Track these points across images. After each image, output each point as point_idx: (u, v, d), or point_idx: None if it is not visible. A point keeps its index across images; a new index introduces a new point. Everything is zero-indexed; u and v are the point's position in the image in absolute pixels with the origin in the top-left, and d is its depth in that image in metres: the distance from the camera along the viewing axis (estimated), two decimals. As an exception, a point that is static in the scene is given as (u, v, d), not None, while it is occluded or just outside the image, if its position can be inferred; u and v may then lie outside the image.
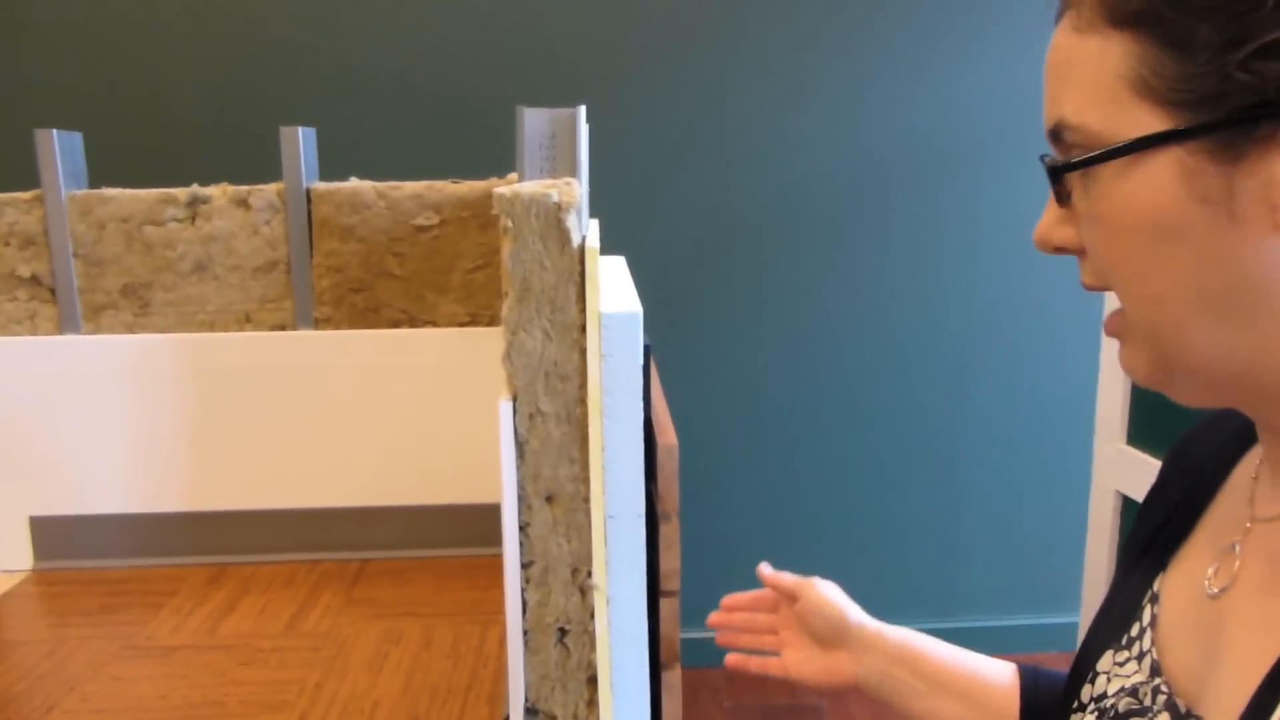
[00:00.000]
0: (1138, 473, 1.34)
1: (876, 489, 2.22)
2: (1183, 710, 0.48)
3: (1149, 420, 1.34)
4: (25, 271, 1.09)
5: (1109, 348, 1.39)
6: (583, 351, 0.74)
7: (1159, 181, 0.42)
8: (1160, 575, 0.55)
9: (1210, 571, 0.50)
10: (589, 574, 0.78)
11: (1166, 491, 0.59)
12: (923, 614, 2.26)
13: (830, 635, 0.79)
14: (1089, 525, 1.46)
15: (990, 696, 0.72)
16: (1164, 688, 0.49)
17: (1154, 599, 0.54)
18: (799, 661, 0.83)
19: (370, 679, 0.88)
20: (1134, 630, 0.54)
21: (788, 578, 0.86)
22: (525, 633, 0.78)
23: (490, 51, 1.96)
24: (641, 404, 0.75)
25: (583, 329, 0.74)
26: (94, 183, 1.11)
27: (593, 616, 0.78)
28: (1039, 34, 2.05)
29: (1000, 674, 0.74)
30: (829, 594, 0.81)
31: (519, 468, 0.76)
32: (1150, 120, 0.42)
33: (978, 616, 2.29)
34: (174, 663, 0.91)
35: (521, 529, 0.77)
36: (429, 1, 1.93)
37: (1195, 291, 0.43)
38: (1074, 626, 1.71)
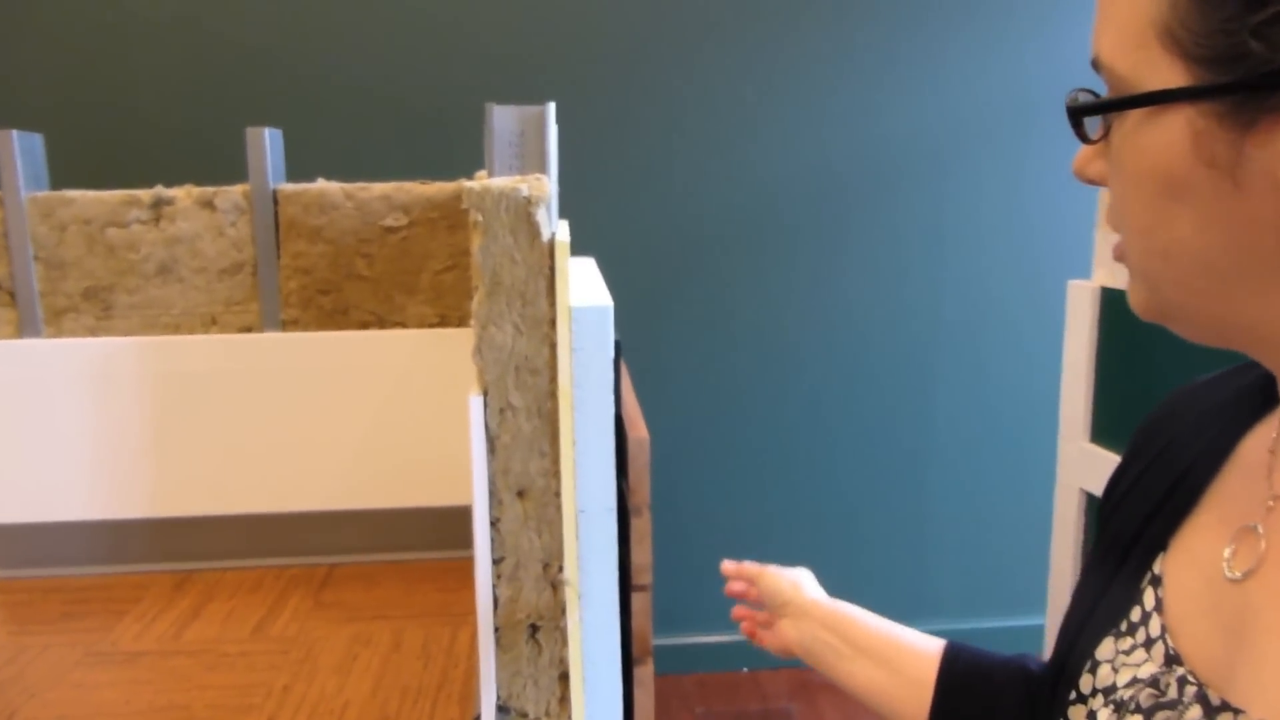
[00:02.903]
0: (1102, 470, 1.36)
1: (843, 490, 2.23)
2: (1215, 702, 0.44)
3: (1112, 417, 1.36)
4: (-16, 274, 1.07)
5: (1072, 347, 1.41)
6: (553, 346, 0.75)
7: (1170, 138, 0.41)
8: (1160, 556, 0.51)
9: (1227, 553, 0.47)
10: (560, 569, 0.77)
11: (1155, 462, 0.55)
12: (888, 616, 2.28)
13: (778, 607, 0.82)
14: (1054, 525, 1.48)
15: (906, 663, 0.73)
16: (1191, 678, 0.46)
17: (1155, 581, 0.50)
18: (762, 636, 0.87)
19: (339, 681, 0.87)
20: (1135, 615, 0.51)
21: (749, 569, 0.88)
22: (496, 629, 0.78)
23: (458, 53, 1.96)
24: (612, 398, 0.75)
25: (553, 323, 0.74)
26: (56, 185, 1.10)
27: (564, 612, 0.78)
28: (1003, 43, 2.09)
29: (924, 644, 0.74)
30: (780, 574, 0.84)
31: (490, 463, 0.76)
32: (1170, 74, 0.41)
33: (944, 619, 2.31)
34: (138, 669, 0.90)
35: (492, 524, 0.77)
36: (396, 2, 1.93)
37: (1198, 252, 0.43)
38: (1040, 629, 1.73)
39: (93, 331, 1.09)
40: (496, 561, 0.77)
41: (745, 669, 2.24)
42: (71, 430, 1.09)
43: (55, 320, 1.09)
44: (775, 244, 2.10)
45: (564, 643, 0.78)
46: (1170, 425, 0.57)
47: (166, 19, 1.89)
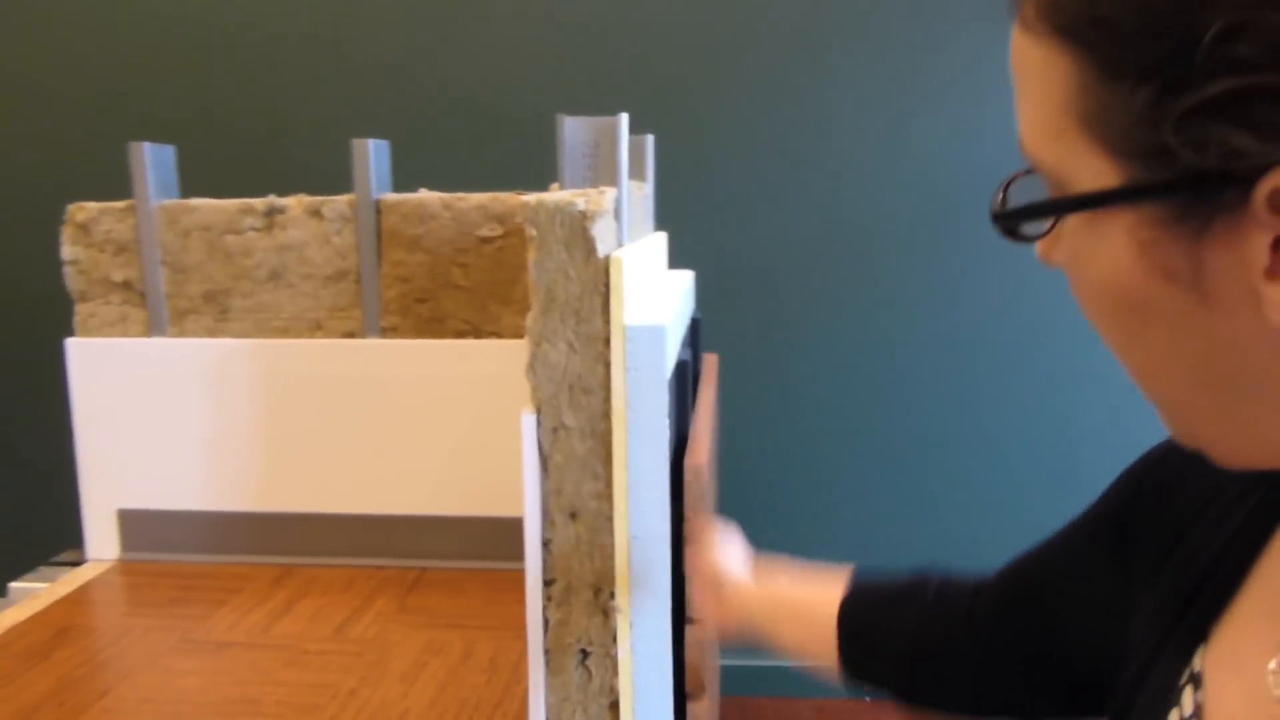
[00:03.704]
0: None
1: (962, 535, 2.09)
2: None
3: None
4: (119, 277, 1.15)
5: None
6: (608, 364, 0.72)
7: (1115, 250, 0.34)
8: (1201, 648, 0.43)
9: (1273, 665, 0.40)
10: (612, 595, 0.75)
11: (1199, 520, 0.48)
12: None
13: (717, 591, 0.79)
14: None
15: (819, 617, 0.70)
16: None
17: (1195, 680, 0.43)
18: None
19: (403, 689, 0.87)
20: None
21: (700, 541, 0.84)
22: (546, 652, 0.76)
23: (565, 63, 1.96)
24: (666, 420, 0.72)
25: (608, 341, 0.72)
26: (186, 192, 1.16)
27: (615, 640, 0.75)
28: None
29: (829, 594, 0.71)
30: (718, 562, 0.79)
31: (542, 482, 0.75)
32: (1099, 169, 0.34)
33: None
34: (223, 659, 0.93)
35: (544, 545, 0.75)
36: (506, 16, 1.95)
37: (1184, 370, 0.36)
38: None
39: (211, 332, 1.15)
40: (548, 583, 0.76)
41: (868, 697, 2.15)
42: (191, 424, 1.15)
43: (179, 321, 1.15)
44: (898, 260, 2.00)
45: (615, 671, 0.76)
46: (1202, 471, 0.48)
47: (291, 41, 1.98)
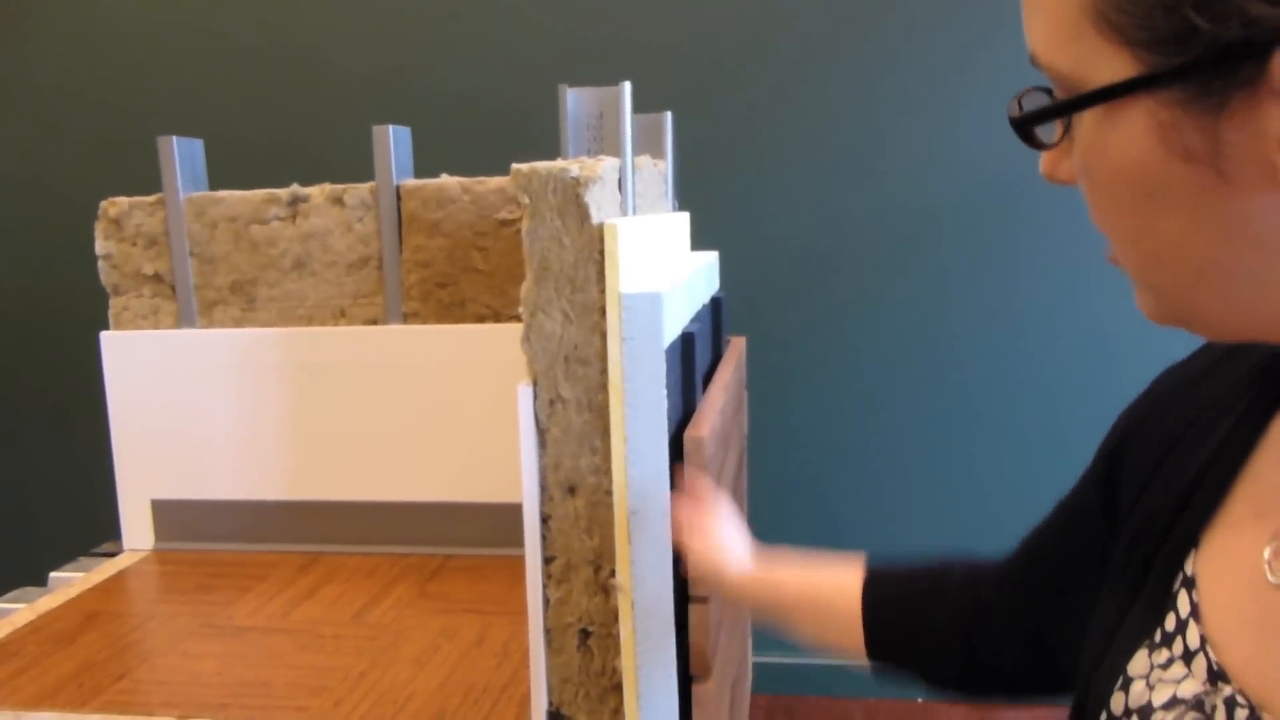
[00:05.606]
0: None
1: (999, 521, 2.00)
2: None
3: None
4: (149, 270, 1.16)
5: None
6: (604, 335, 0.70)
7: (1134, 136, 0.37)
8: (1192, 553, 0.45)
9: (1267, 554, 0.42)
10: (612, 573, 0.73)
11: (1178, 444, 0.49)
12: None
13: (709, 589, 0.76)
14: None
15: (836, 610, 0.67)
16: (1240, 698, 0.41)
17: (1189, 583, 0.44)
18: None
19: (413, 672, 0.86)
20: (1169, 623, 0.44)
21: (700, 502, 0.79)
22: (547, 631, 0.75)
23: (592, 46, 1.93)
24: (664, 391, 0.70)
25: (603, 310, 0.70)
26: (215, 184, 1.18)
27: (617, 619, 0.73)
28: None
29: (848, 584, 0.68)
30: (704, 560, 0.74)
31: (540, 456, 0.73)
32: (1116, 64, 0.36)
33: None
34: (241, 643, 0.93)
35: (543, 521, 0.74)
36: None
37: (1194, 254, 0.38)
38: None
39: (238, 322, 1.16)
40: (547, 561, 0.74)
41: (919, 699, 2.09)
42: (221, 414, 1.16)
43: (207, 312, 1.16)
44: (929, 241, 1.93)
45: (616, 651, 0.74)
46: (1203, 386, 0.50)
47: (310, 40, 2.01)
